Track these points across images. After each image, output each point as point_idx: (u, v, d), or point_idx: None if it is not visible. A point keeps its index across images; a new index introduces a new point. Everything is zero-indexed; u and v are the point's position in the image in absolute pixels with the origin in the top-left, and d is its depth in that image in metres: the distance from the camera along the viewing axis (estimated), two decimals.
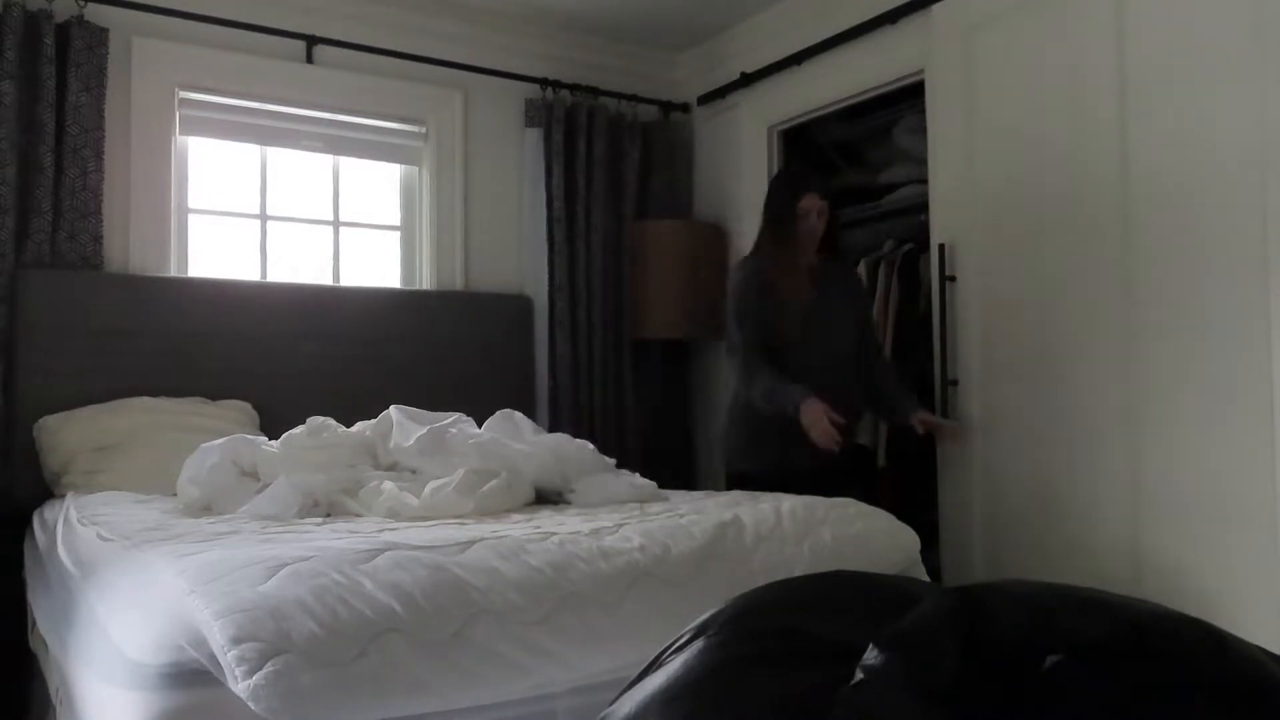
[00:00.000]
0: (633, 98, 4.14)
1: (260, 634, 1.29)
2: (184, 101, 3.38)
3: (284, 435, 2.50)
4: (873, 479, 3.55)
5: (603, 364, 3.97)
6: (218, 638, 1.29)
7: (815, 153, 4.08)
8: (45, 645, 2.02)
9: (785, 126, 3.87)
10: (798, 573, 1.13)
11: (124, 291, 3.10)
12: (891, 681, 0.66)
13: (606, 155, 4.04)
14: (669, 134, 4.24)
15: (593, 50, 4.12)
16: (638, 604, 1.67)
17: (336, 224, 3.79)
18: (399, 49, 3.69)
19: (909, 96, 3.41)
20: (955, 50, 2.99)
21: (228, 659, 1.26)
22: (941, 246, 2.97)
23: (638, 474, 2.57)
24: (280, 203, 3.68)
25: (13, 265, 2.96)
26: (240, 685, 1.24)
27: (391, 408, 2.63)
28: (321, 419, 2.59)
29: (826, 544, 2.01)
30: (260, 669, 1.25)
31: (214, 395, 3.14)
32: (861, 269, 3.61)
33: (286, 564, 1.47)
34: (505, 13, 3.87)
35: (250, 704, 1.23)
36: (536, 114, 3.91)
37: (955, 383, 2.93)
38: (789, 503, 2.15)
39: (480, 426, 2.65)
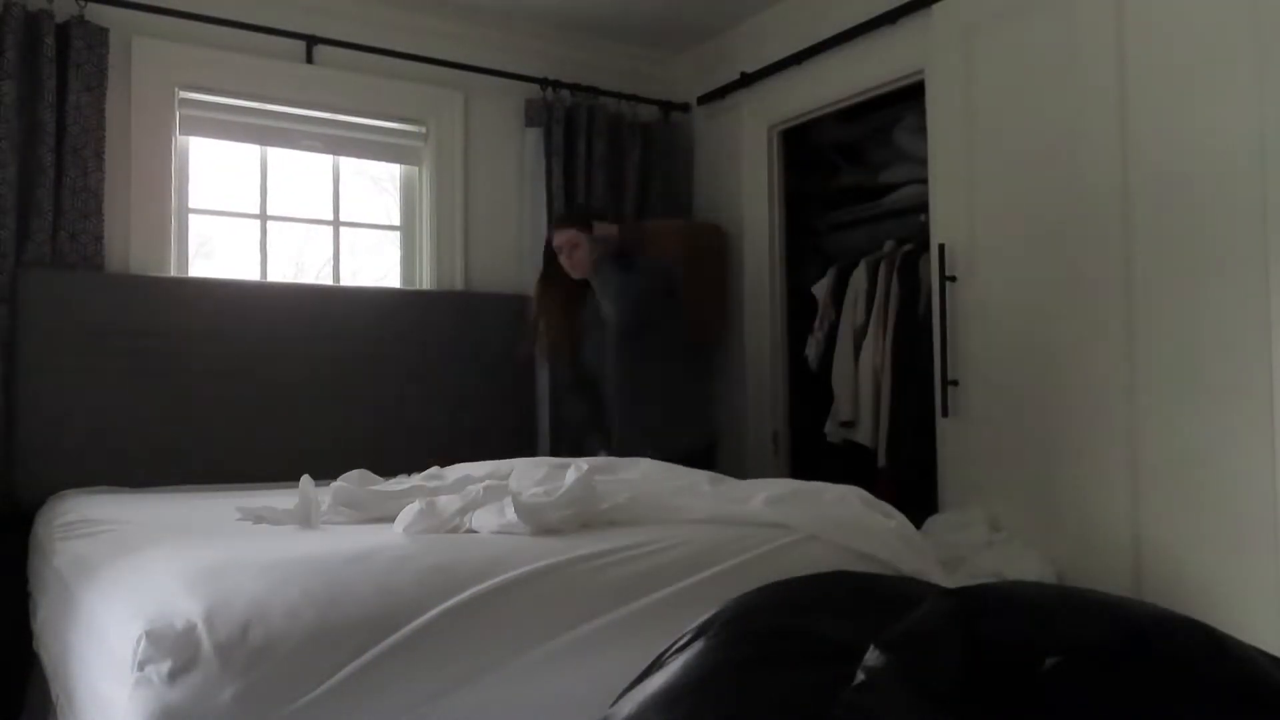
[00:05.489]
0: (633, 98, 4.14)
1: (250, 637, 1.32)
2: (184, 101, 3.38)
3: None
4: (872, 480, 3.55)
5: None
6: (205, 640, 1.31)
7: (815, 153, 4.09)
8: (46, 645, 2.02)
9: (785, 126, 3.87)
10: (799, 573, 1.13)
11: (124, 291, 3.10)
12: (892, 682, 0.66)
13: (606, 155, 4.04)
14: (669, 134, 4.24)
15: (593, 50, 4.12)
16: (636, 605, 1.67)
17: (336, 224, 3.79)
18: (399, 49, 3.69)
19: (909, 96, 3.41)
20: (955, 50, 2.99)
21: (217, 659, 1.29)
22: (941, 246, 2.97)
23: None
24: (280, 203, 3.68)
25: (13, 265, 2.96)
26: (228, 688, 1.26)
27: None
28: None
29: (829, 546, 2.00)
30: (247, 671, 1.27)
31: (213, 395, 3.14)
32: (862, 269, 3.61)
33: (280, 565, 1.48)
34: (505, 13, 3.87)
35: (235, 704, 1.26)
36: (536, 114, 3.91)
37: (955, 383, 2.94)
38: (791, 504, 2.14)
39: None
